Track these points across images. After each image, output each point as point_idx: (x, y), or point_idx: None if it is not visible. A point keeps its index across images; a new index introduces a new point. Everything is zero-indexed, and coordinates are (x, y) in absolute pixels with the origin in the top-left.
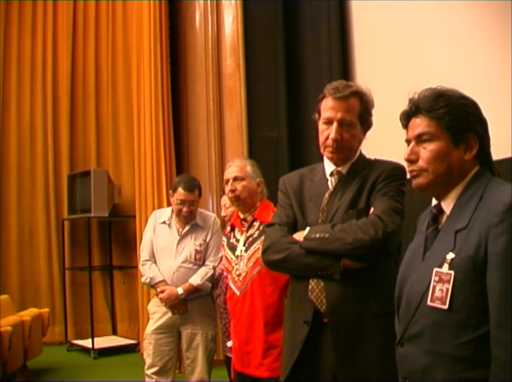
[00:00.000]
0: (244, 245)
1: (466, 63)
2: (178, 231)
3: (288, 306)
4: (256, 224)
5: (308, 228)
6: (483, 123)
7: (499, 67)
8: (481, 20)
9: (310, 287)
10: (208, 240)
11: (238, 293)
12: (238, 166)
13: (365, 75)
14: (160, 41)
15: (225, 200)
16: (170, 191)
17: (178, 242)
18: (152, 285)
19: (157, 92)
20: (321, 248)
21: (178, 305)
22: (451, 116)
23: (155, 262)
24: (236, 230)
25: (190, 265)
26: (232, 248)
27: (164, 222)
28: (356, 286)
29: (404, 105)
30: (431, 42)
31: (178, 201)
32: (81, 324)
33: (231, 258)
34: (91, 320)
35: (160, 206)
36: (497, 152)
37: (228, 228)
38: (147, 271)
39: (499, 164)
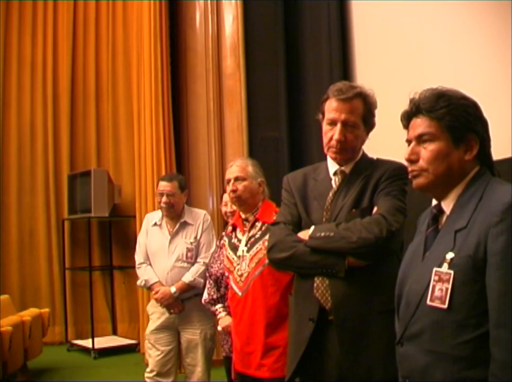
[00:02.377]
0: (245, 245)
1: (466, 63)
2: (169, 231)
3: (293, 304)
4: (258, 224)
5: (313, 227)
6: (483, 123)
7: (499, 67)
8: (481, 20)
9: (315, 285)
10: (198, 237)
11: (240, 294)
12: (239, 166)
13: (365, 74)
14: (160, 41)
15: (226, 197)
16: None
17: (170, 242)
18: (148, 287)
19: (157, 92)
20: (327, 247)
21: (173, 304)
22: (451, 116)
23: (150, 264)
24: (238, 230)
25: (183, 264)
26: (234, 248)
27: (155, 224)
28: (361, 283)
29: (404, 105)
30: (431, 42)
31: (158, 193)
32: (82, 324)
33: (233, 258)
34: (91, 320)
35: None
36: (497, 152)
37: (230, 228)
38: (141, 274)
39: (499, 164)
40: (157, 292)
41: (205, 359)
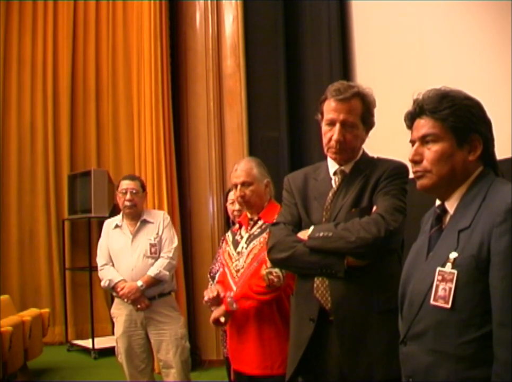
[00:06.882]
0: (245, 242)
1: (466, 63)
2: (130, 231)
3: (294, 304)
4: (260, 222)
5: (312, 227)
6: (487, 124)
7: (499, 67)
8: (481, 21)
9: (315, 285)
10: (160, 234)
11: (235, 288)
12: (244, 170)
13: (365, 74)
14: (160, 41)
15: (232, 195)
16: (117, 193)
17: (132, 240)
18: (112, 287)
19: (157, 92)
20: (325, 247)
21: (140, 298)
22: (455, 117)
23: (113, 265)
24: (243, 228)
25: (147, 260)
26: (236, 244)
27: (116, 226)
28: (360, 283)
29: (404, 105)
30: (431, 42)
31: (123, 191)
32: (82, 324)
33: (233, 254)
34: (91, 320)
35: (160, 206)
36: (498, 152)
37: (237, 225)
38: (105, 275)
39: (500, 164)
40: (122, 288)
41: (180, 360)
